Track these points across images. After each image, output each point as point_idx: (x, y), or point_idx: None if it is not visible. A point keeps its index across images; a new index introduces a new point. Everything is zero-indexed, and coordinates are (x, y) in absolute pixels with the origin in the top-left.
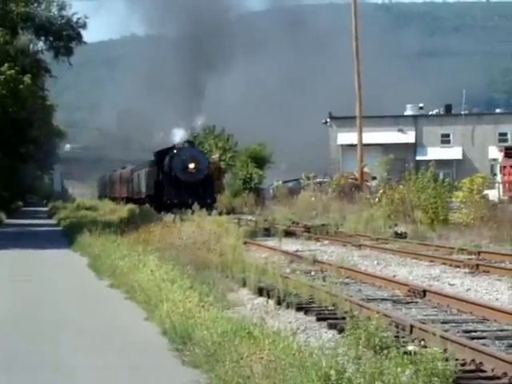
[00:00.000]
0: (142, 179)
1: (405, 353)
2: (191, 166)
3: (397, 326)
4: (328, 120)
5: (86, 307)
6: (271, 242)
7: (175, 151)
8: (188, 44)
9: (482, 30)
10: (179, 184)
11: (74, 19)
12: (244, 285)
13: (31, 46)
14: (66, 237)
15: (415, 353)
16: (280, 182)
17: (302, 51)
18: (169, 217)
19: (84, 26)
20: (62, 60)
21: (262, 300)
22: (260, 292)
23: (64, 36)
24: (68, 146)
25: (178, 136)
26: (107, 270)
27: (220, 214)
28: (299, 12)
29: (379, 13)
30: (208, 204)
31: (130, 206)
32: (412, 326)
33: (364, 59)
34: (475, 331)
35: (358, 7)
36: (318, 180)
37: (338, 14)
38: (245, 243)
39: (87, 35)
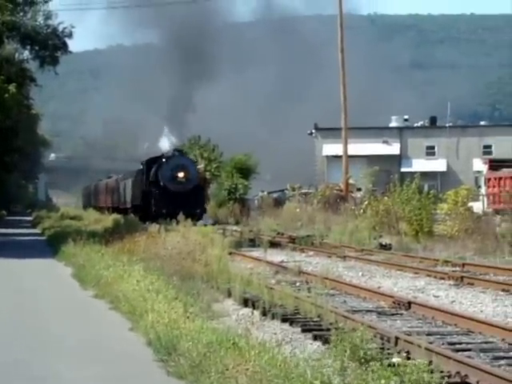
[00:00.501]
0: (129, 189)
1: (389, 365)
2: (180, 175)
3: (382, 338)
4: (313, 131)
5: (70, 317)
6: (256, 253)
7: (164, 160)
8: (175, 54)
9: (466, 43)
10: (168, 194)
11: (60, 28)
12: (229, 295)
13: (17, 55)
14: (51, 246)
15: (399, 365)
16: (265, 193)
17: (290, 62)
18: (154, 227)
19: (70, 35)
20: (47, 69)
21: (247, 311)
22: (245, 303)
23: (50, 45)
24: (53, 156)
25: (167, 144)
26: (92, 280)
27: (205, 224)
28: (288, 23)
29: (364, 24)
30: (198, 214)
31: (115, 215)
32: (397, 338)
33: (350, 71)
34: (460, 343)
35: (344, 19)
36: (303, 191)
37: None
38: (230, 254)
39: (73, 44)
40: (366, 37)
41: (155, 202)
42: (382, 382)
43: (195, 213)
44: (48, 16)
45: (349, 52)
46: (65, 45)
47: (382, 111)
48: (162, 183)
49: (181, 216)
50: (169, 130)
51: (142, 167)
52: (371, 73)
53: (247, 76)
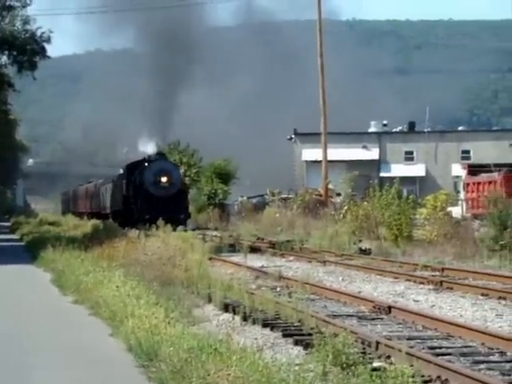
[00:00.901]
0: (109, 194)
1: (373, 369)
2: (164, 179)
3: (363, 343)
4: (293, 136)
5: (50, 323)
6: (236, 258)
7: (146, 164)
8: (154, 59)
9: (444, 49)
10: (151, 199)
11: (39, 33)
12: (210, 301)
13: None
14: (29, 252)
15: (385, 369)
16: (245, 198)
17: (271, 67)
18: (133, 232)
19: (48, 40)
20: (25, 74)
21: (227, 316)
22: (226, 308)
23: (28, 50)
24: (31, 161)
25: (149, 149)
26: (71, 285)
27: (185, 229)
28: (268, 27)
29: (343, 30)
30: (182, 220)
31: (94, 221)
32: (378, 343)
33: (329, 76)
34: (440, 348)
35: (323, 24)
36: (282, 196)
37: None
38: (210, 259)
39: (51, 49)
40: (345, 42)
41: (138, 208)
42: None
43: (179, 218)
44: (26, 21)
45: (328, 57)
46: (43, 50)
47: (361, 116)
48: (144, 188)
49: (162, 221)
50: (150, 135)
51: (122, 172)
52: (350, 78)
53: (227, 81)
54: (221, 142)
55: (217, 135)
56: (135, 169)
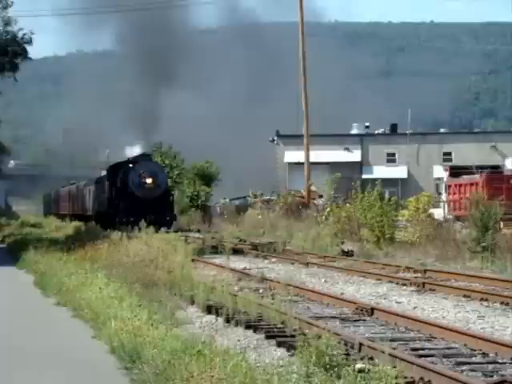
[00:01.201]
0: (92, 195)
1: (358, 371)
2: (149, 181)
3: (346, 344)
4: (275, 138)
5: (32, 325)
6: (219, 260)
7: (130, 165)
8: (136, 60)
9: (426, 51)
10: (136, 201)
11: (20, 35)
12: (192, 303)
13: None
14: (11, 254)
15: (368, 370)
16: (227, 200)
17: (255, 69)
18: (116, 234)
19: (30, 41)
20: (7, 76)
21: (210, 318)
22: (209, 310)
23: (9, 52)
24: (12, 163)
25: (135, 150)
26: (54, 287)
27: (168, 231)
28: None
29: (326, 32)
30: (168, 222)
31: (77, 223)
32: (361, 344)
33: (312, 78)
34: (423, 349)
35: (305, 26)
36: (265, 198)
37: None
38: (193, 261)
39: (32, 51)
40: (328, 44)
41: (122, 210)
42: None
43: (165, 220)
44: (7, 22)
45: (310, 59)
46: (25, 51)
47: (344, 118)
48: (129, 190)
49: (144, 224)
50: (135, 136)
51: (106, 173)
52: (332, 80)
53: (210, 82)
54: (203, 143)
55: (199, 137)
56: (119, 170)
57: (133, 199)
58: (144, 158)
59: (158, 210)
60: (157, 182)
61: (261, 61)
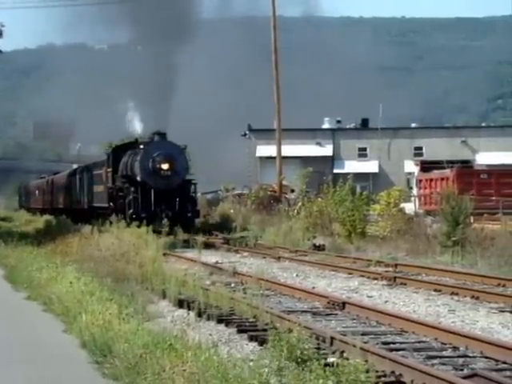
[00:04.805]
0: (86, 186)
1: (326, 365)
2: (164, 166)
3: (317, 338)
4: (247, 132)
5: (1, 319)
6: (191, 254)
7: (141, 147)
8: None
9: (397, 46)
10: (147, 192)
11: None
12: (164, 297)
13: None
14: None
15: (337, 364)
16: (199, 194)
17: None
18: (87, 228)
19: (0, 34)
20: None
21: (182, 312)
22: (180, 304)
23: None
24: None
25: (137, 127)
26: (24, 281)
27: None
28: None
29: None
30: (189, 219)
31: (48, 217)
32: (332, 338)
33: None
34: (394, 343)
35: (277, 20)
36: (237, 192)
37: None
38: (164, 255)
39: (2, 44)
40: (300, 38)
41: (130, 204)
42: (320, 381)
43: (186, 217)
44: None
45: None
46: None
47: (315, 113)
48: (138, 178)
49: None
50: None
51: (107, 157)
52: (306, 74)
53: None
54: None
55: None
56: (124, 153)
57: (144, 190)
58: (158, 137)
59: (175, 205)
60: (175, 167)
61: (250, 53)
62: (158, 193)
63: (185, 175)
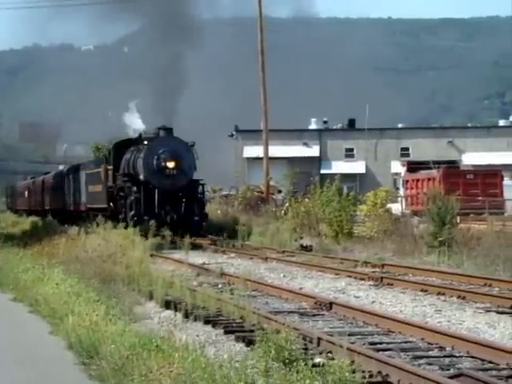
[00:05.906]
0: (83, 185)
1: (313, 365)
2: (170, 165)
3: (304, 339)
4: (234, 133)
5: None
6: (178, 255)
7: (145, 143)
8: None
9: (383, 47)
10: (151, 193)
11: None
12: (151, 298)
13: None
14: None
15: (324, 364)
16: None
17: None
18: (73, 229)
19: None
20: None
21: (169, 313)
22: (167, 305)
23: None
24: None
25: (136, 125)
26: (10, 283)
27: (126, 227)
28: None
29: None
30: (196, 223)
31: (34, 218)
32: (320, 339)
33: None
34: (381, 343)
35: (265, 21)
36: (224, 193)
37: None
38: (151, 256)
39: None
40: (287, 39)
41: (132, 205)
42: (307, 382)
43: (193, 221)
44: None
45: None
46: None
47: (302, 113)
48: (141, 177)
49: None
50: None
51: (108, 154)
52: (293, 74)
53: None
54: None
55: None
56: (125, 150)
57: (147, 191)
58: (164, 133)
59: (182, 207)
60: (181, 166)
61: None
62: (162, 193)
63: (192, 174)
